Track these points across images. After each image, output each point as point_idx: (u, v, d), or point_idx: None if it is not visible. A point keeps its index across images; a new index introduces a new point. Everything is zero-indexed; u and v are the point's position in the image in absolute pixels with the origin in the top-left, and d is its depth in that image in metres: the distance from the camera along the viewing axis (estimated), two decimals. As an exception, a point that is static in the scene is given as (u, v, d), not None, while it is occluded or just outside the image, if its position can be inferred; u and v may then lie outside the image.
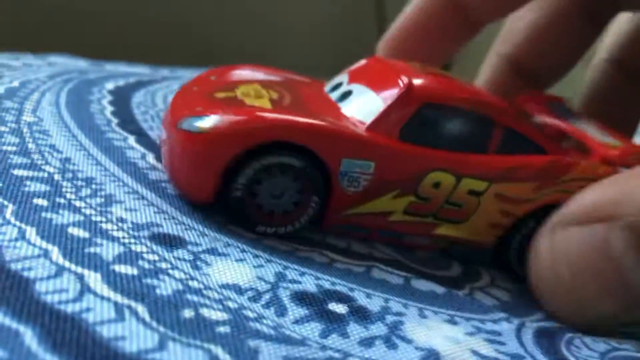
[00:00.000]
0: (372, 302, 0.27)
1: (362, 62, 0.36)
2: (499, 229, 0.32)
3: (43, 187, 0.29)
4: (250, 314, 0.23)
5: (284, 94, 0.33)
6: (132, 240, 0.26)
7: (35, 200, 0.28)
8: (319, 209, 0.30)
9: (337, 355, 0.22)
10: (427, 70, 0.35)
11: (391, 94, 0.31)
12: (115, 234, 0.27)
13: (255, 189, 0.29)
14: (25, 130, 0.35)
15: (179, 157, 0.30)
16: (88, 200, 0.29)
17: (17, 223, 0.25)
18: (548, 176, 0.30)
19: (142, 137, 0.39)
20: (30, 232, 0.25)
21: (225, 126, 0.28)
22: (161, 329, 0.21)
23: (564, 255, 0.26)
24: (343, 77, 0.35)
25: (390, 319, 0.26)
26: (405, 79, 0.31)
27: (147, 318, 0.21)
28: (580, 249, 0.25)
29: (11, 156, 0.31)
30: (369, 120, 0.30)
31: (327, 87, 0.35)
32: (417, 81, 0.31)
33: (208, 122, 0.29)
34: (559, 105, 0.39)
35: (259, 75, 0.37)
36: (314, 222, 0.31)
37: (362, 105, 0.31)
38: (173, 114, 0.31)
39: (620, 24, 0.43)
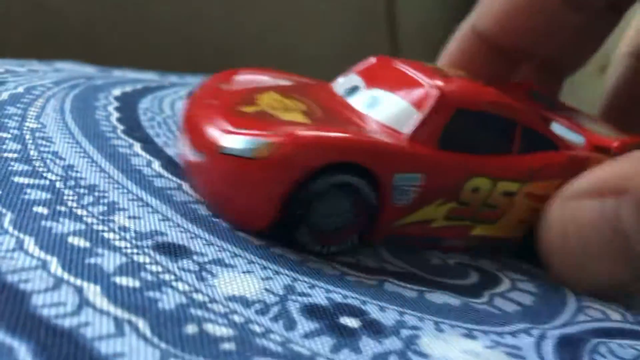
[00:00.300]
0: (386, 315, 0.25)
1: (371, 61, 0.35)
2: (528, 223, 0.32)
3: (44, 195, 0.28)
4: (257, 329, 0.22)
5: (309, 104, 0.32)
6: (135, 251, 0.25)
7: (35, 209, 0.27)
8: (369, 225, 0.30)
9: (349, 372, 0.21)
10: (443, 70, 0.34)
11: (421, 99, 0.30)
12: (117, 243, 0.26)
13: (312, 208, 0.28)
14: (27, 136, 0.34)
15: (231, 185, 0.28)
16: (90, 208, 0.28)
17: (15, 232, 0.24)
18: (569, 172, 0.30)
19: (148, 145, 0.38)
20: (29, 242, 0.24)
21: (285, 150, 0.27)
22: (163, 345, 0.20)
23: (574, 225, 0.26)
24: (356, 80, 0.34)
25: (405, 333, 0.24)
26: (435, 84, 0.31)
27: (148, 334, 0.20)
28: (591, 221, 0.26)
29: (12, 163, 0.30)
30: (403, 128, 0.30)
31: (341, 91, 0.34)
32: (448, 87, 0.31)
33: (261, 145, 0.27)
34: (539, 94, 0.38)
35: (268, 80, 0.36)
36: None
37: (391, 112, 0.31)
38: (202, 134, 0.29)
39: None
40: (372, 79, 0.33)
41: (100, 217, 0.28)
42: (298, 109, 0.31)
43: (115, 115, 0.41)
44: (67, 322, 0.20)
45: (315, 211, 0.28)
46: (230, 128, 0.29)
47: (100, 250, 0.25)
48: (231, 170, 0.28)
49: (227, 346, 0.21)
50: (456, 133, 0.30)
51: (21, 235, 0.24)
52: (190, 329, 0.21)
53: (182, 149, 0.32)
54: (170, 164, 0.36)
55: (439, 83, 0.31)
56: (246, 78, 0.36)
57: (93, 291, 0.22)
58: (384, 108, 0.31)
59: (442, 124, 0.30)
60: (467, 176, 0.30)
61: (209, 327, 0.21)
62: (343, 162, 0.27)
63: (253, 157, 0.27)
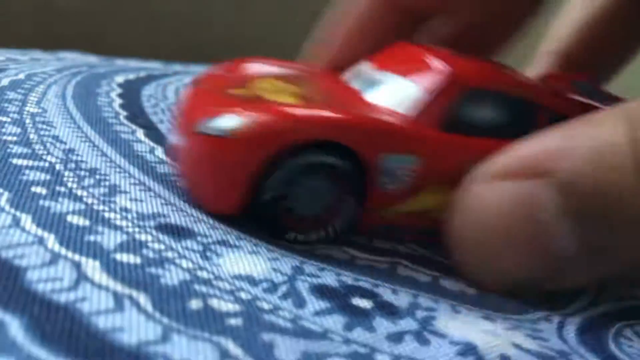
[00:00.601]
0: (399, 298, 0.24)
1: (387, 47, 0.34)
2: None
3: (43, 176, 0.27)
4: (265, 306, 0.21)
5: (308, 89, 0.31)
6: (137, 229, 0.24)
7: (33, 189, 0.26)
8: (355, 211, 0.27)
9: (363, 350, 0.20)
10: (457, 53, 0.32)
11: (428, 79, 0.28)
12: (118, 222, 0.25)
13: (286, 191, 0.26)
14: (27, 120, 0.33)
15: (204, 164, 0.26)
16: (91, 189, 0.27)
17: (12, 210, 0.23)
18: None
19: (152, 131, 0.37)
20: (25, 220, 0.23)
21: (257, 127, 0.25)
22: (165, 320, 0.19)
23: (484, 213, 0.22)
24: (365, 65, 0.33)
25: (420, 314, 0.23)
26: (442, 63, 0.28)
27: (150, 309, 0.19)
28: (500, 207, 0.21)
29: (11, 146, 0.29)
30: (404, 109, 0.27)
31: (347, 76, 0.33)
32: (457, 65, 0.28)
33: (234, 122, 0.25)
34: (583, 84, 0.36)
35: (272, 68, 0.35)
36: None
37: (394, 93, 0.29)
38: (187, 117, 0.28)
39: (569, 13, 0.40)
40: (382, 63, 0.32)
41: (101, 198, 0.26)
42: (289, 92, 0.29)
43: (118, 101, 0.40)
44: (64, 297, 0.19)
45: (290, 194, 0.26)
46: (210, 108, 0.27)
47: (100, 228, 0.24)
48: (203, 149, 0.26)
49: (234, 321, 0.19)
50: (465, 114, 0.28)
51: (18, 213, 0.23)
52: (195, 304, 0.20)
53: (172, 136, 0.31)
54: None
55: (447, 61, 0.29)
56: (252, 66, 0.35)
57: (92, 266, 0.21)
58: (386, 89, 0.30)
59: (448, 104, 0.27)
60: (473, 161, 0.26)
61: (214, 303, 0.20)
62: (321, 140, 0.25)
63: (224, 135, 0.25)
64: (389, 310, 0.23)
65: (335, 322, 0.21)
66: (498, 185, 0.22)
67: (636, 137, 0.20)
